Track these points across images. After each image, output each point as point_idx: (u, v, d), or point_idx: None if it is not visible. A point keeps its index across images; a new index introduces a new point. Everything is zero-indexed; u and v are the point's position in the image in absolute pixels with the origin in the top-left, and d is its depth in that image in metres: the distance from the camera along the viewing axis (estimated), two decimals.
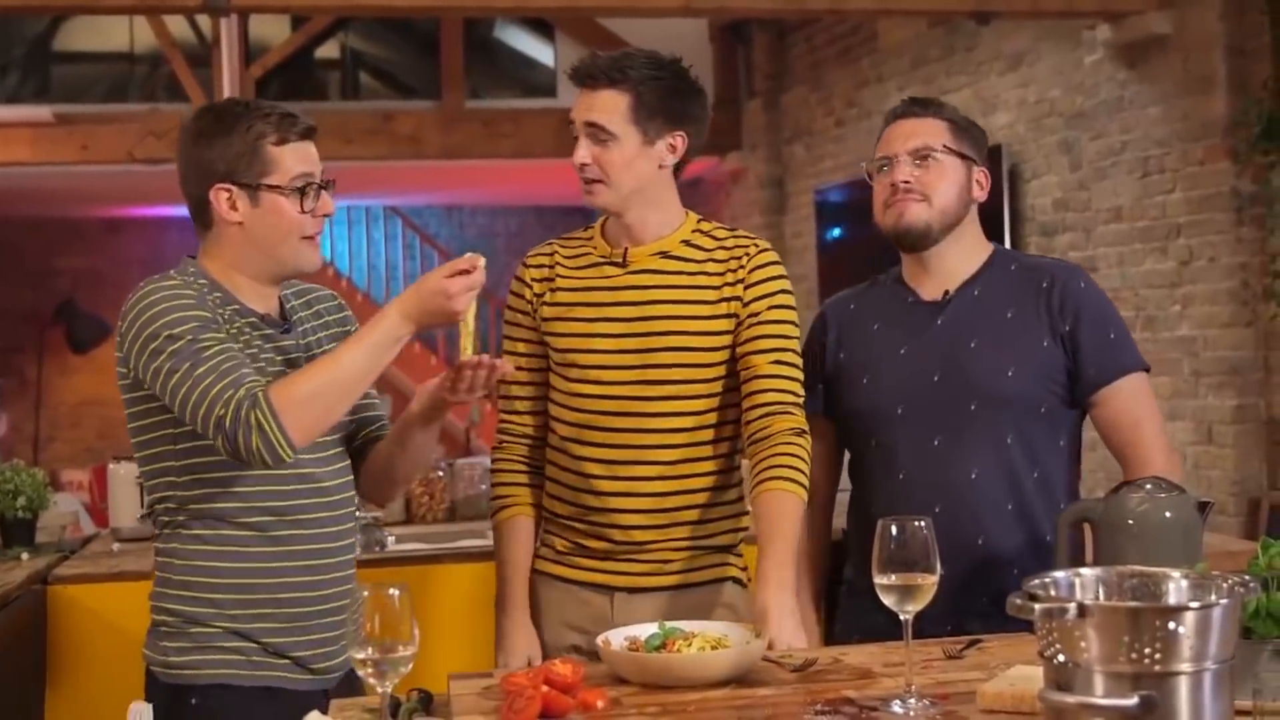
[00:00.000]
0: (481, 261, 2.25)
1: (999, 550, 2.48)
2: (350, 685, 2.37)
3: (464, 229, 13.55)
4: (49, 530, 4.10)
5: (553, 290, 2.55)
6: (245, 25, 8.97)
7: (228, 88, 8.61)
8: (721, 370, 2.50)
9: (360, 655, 1.80)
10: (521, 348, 2.58)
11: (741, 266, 2.50)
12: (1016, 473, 2.51)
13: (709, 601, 2.53)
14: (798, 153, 9.07)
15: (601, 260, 2.54)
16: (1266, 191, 5.24)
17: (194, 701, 2.29)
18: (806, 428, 2.45)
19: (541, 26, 9.77)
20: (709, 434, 2.51)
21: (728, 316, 2.49)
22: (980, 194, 2.62)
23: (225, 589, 2.30)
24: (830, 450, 2.71)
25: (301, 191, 2.29)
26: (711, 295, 2.49)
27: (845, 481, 2.75)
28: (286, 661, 2.32)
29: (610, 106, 2.43)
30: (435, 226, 13.39)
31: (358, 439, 2.49)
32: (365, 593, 1.80)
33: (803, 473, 2.39)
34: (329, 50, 10.15)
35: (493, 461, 2.64)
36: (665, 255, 2.52)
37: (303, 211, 2.29)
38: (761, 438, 2.43)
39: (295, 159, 2.30)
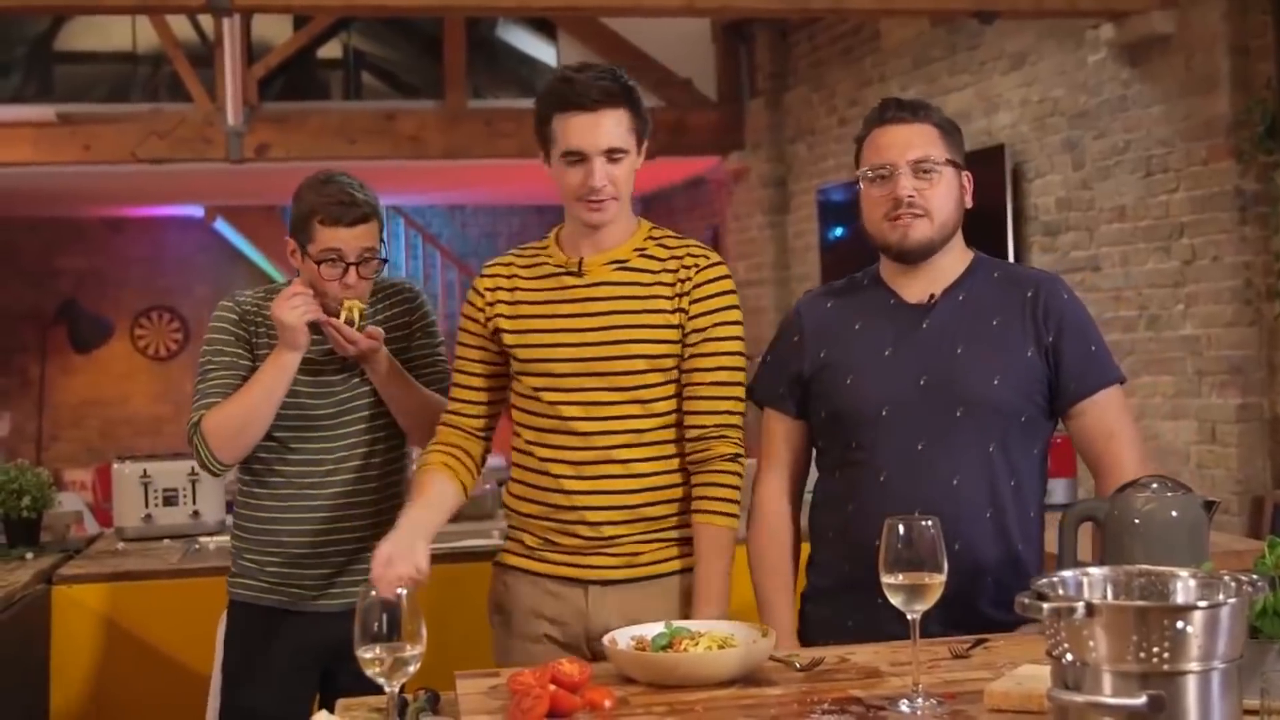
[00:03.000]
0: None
1: (975, 558, 2.44)
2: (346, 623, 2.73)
3: (466, 228, 13.54)
4: (53, 530, 4.10)
5: (512, 303, 2.62)
6: (248, 25, 8.96)
7: (230, 88, 8.61)
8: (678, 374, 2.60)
9: (368, 655, 1.80)
10: (467, 352, 2.70)
11: (689, 279, 2.58)
12: (995, 481, 2.48)
13: (677, 589, 2.60)
14: (800, 152, 9.07)
15: (558, 270, 2.61)
16: (1270, 191, 5.24)
17: (234, 611, 3.01)
18: (742, 450, 2.59)
19: (544, 26, 9.75)
20: (672, 433, 2.60)
21: (671, 327, 2.57)
22: (969, 199, 2.59)
23: (251, 531, 2.98)
24: (800, 458, 2.67)
25: (321, 263, 2.82)
26: (666, 305, 2.57)
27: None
28: (301, 590, 2.95)
29: (622, 124, 2.54)
30: (438, 226, 13.38)
31: None
32: (373, 592, 1.81)
33: (736, 502, 2.57)
34: (331, 50, 10.14)
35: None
36: (620, 265, 2.59)
37: (325, 280, 2.82)
38: (697, 461, 2.58)
39: (334, 237, 2.82)
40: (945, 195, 2.52)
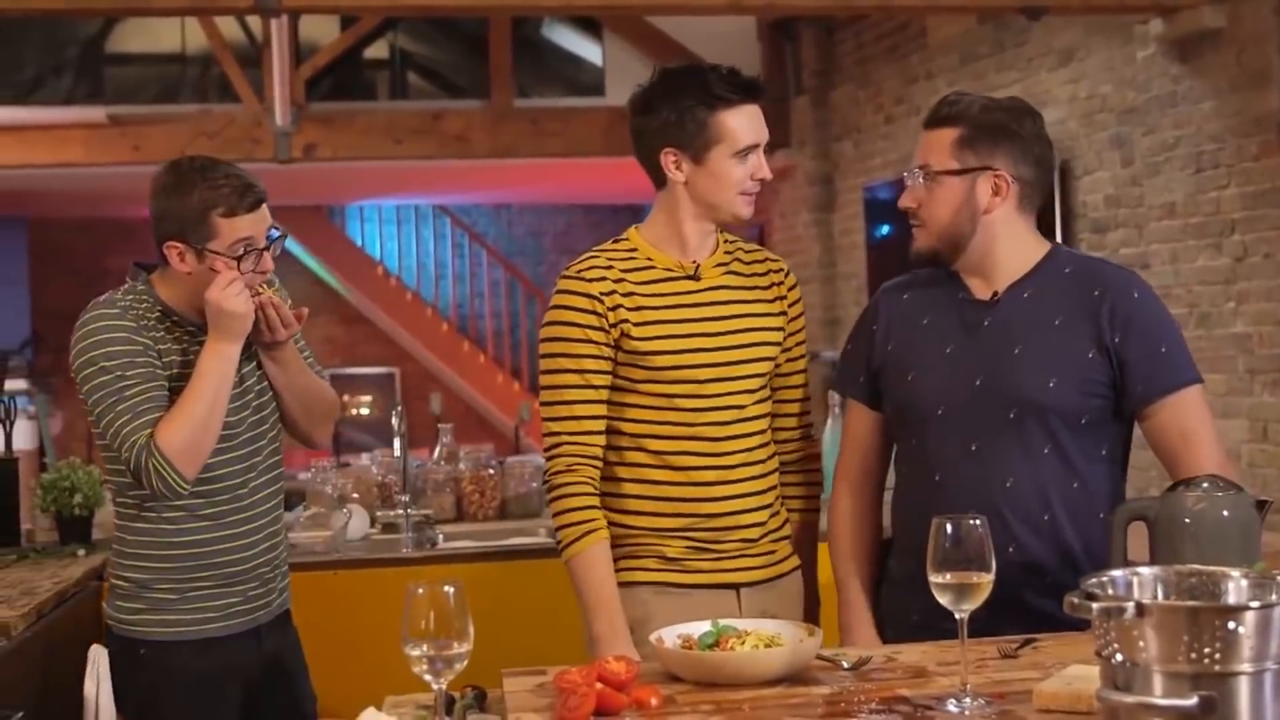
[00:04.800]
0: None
1: (1031, 560, 2.43)
2: (284, 626, 2.85)
3: (512, 227, 13.58)
4: (105, 527, 4.13)
5: (634, 308, 2.56)
6: (295, 26, 9.02)
7: (278, 88, 8.67)
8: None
9: (415, 652, 1.81)
10: (587, 364, 2.55)
11: (782, 283, 2.70)
12: (1053, 483, 2.46)
13: (798, 586, 2.70)
14: (846, 150, 9.05)
15: (671, 274, 2.61)
16: None
17: (142, 652, 2.71)
18: (819, 451, 2.81)
19: (589, 25, 9.77)
20: (770, 433, 2.69)
21: (780, 330, 2.66)
22: (996, 202, 2.50)
23: (167, 559, 2.70)
24: (879, 449, 2.69)
25: (240, 257, 2.61)
26: (773, 309, 2.66)
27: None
28: (221, 614, 2.72)
29: None
30: (484, 225, 13.42)
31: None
32: (420, 590, 1.82)
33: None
34: (378, 50, 10.19)
35: (560, 485, 2.54)
36: (726, 269, 2.64)
37: (241, 272, 2.61)
38: (796, 460, 2.75)
39: (240, 227, 2.61)
40: (941, 204, 2.51)
